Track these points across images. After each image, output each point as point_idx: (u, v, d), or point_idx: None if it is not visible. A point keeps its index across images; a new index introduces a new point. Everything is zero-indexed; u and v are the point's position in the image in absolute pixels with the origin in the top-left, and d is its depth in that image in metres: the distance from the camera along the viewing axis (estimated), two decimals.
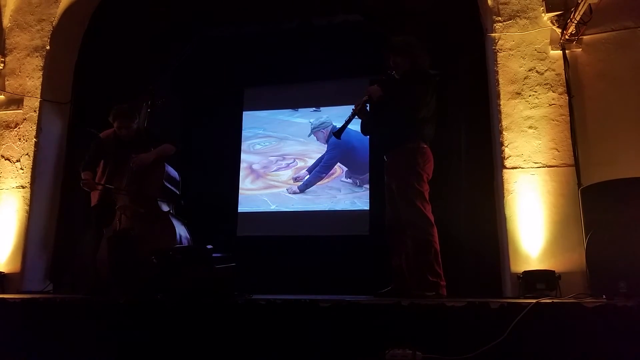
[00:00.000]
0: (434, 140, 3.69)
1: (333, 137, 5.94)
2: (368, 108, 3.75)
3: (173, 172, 4.23)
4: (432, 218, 3.50)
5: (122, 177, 4.03)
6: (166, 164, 4.16)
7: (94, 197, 4.10)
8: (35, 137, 4.95)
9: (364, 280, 4.36)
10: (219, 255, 3.27)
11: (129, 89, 4.71)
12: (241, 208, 6.23)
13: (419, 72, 3.62)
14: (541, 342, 2.39)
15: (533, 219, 3.80)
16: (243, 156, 6.40)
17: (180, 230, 3.99)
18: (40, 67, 5.09)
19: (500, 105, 4.04)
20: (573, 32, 3.90)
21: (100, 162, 4.15)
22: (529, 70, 4.04)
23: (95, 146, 4.20)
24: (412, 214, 3.49)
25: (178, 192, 4.23)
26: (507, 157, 3.95)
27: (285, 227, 5.98)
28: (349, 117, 3.70)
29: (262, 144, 6.44)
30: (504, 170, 3.95)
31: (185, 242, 3.96)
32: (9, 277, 4.64)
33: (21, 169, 4.91)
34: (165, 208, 4.05)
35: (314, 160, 6.18)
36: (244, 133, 6.48)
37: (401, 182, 3.56)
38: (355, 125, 3.96)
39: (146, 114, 4.21)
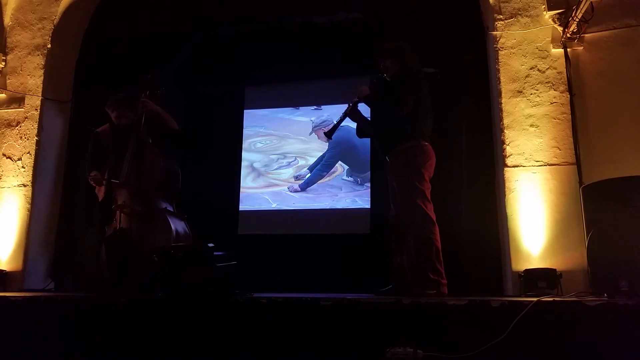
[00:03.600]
0: (435, 139, 3.70)
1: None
2: (370, 112, 3.77)
3: (173, 166, 4.20)
4: (433, 216, 3.52)
5: (123, 166, 3.94)
6: (167, 158, 4.12)
7: (100, 193, 4.06)
8: (36, 136, 4.95)
9: (364, 279, 4.36)
10: (220, 253, 3.28)
11: (129, 87, 4.71)
12: (242, 206, 6.22)
13: (406, 74, 3.66)
14: (542, 341, 2.39)
15: (534, 217, 3.79)
16: (244, 154, 6.39)
17: (178, 228, 3.94)
18: (41, 66, 5.10)
19: (501, 103, 4.04)
20: (574, 30, 3.89)
21: (103, 156, 4.08)
22: (531, 69, 4.04)
23: (93, 143, 4.18)
24: (414, 213, 3.50)
25: (178, 186, 4.19)
26: (509, 156, 3.95)
27: (286, 225, 5.98)
28: (340, 117, 3.80)
29: (263, 142, 6.43)
30: (506, 169, 3.95)
31: (183, 239, 3.93)
32: (11, 276, 4.64)
33: (22, 167, 4.91)
34: (162, 205, 4.01)
35: (315, 159, 6.17)
36: (245, 131, 6.47)
37: (402, 181, 3.57)
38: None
39: None
